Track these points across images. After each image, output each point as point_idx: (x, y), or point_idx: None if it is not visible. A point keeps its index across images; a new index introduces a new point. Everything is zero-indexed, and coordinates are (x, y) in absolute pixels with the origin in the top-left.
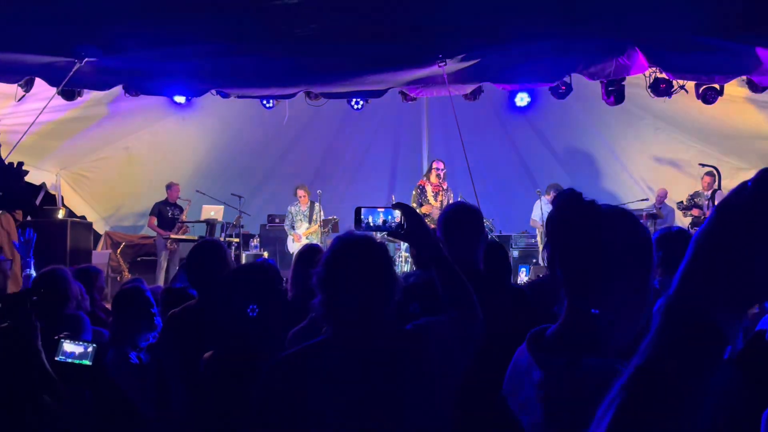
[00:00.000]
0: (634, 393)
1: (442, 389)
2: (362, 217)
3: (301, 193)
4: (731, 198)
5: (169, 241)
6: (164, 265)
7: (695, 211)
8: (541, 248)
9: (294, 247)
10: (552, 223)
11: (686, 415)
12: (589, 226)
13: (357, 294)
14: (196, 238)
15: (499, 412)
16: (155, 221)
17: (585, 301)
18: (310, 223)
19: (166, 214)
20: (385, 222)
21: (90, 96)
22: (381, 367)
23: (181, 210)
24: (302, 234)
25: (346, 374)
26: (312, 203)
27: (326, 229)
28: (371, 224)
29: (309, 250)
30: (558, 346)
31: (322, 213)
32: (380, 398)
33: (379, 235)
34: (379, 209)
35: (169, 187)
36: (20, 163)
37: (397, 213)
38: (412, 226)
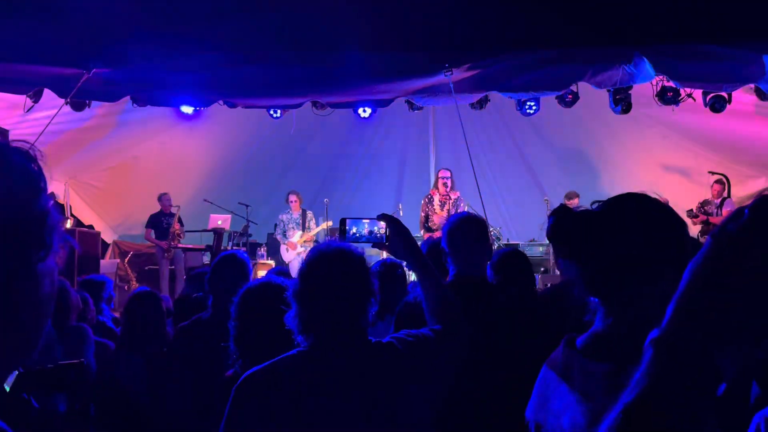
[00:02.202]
0: (625, 429)
1: (421, 402)
2: (347, 228)
3: (293, 198)
4: (727, 226)
5: (167, 252)
6: (166, 274)
7: (702, 218)
8: (552, 258)
9: (289, 255)
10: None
11: None
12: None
13: (332, 306)
14: (193, 246)
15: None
16: (152, 233)
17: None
18: (303, 230)
19: (161, 224)
20: (370, 233)
21: (98, 107)
22: (357, 380)
23: (173, 217)
24: (297, 242)
25: (321, 387)
26: (304, 211)
27: (333, 238)
28: (356, 235)
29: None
30: (599, 352)
31: (314, 221)
32: (356, 411)
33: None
34: (364, 220)
35: (160, 198)
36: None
37: (382, 224)
38: (396, 238)
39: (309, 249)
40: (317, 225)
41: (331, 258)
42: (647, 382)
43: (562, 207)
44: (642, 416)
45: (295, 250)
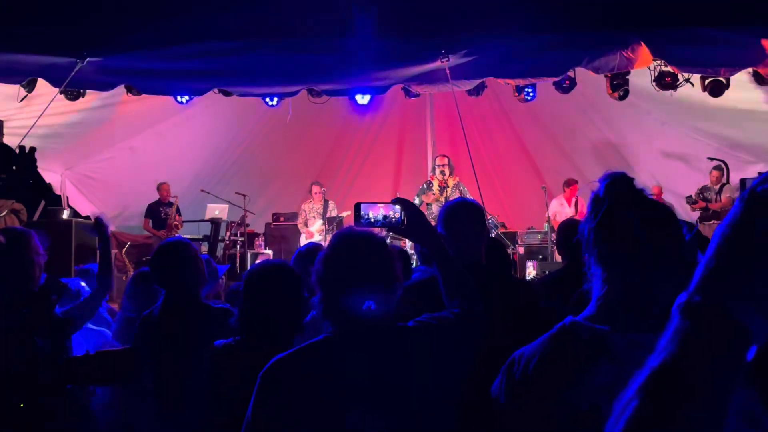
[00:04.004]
0: (650, 395)
1: (446, 386)
2: (362, 212)
3: (315, 189)
4: (756, 188)
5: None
6: None
7: (701, 204)
8: (552, 243)
9: None
10: (604, 202)
11: (707, 420)
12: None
13: (357, 291)
14: (190, 236)
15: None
16: (150, 223)
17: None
18: (323, 219)
19: (159, 214)
20: (385, 217)
21: (93, 97)
22: (383, 365)
23: (171, 207)
24: (316, 231)
25: (348, 373)
26: (326, 201)
27: (331, 227)
28: (371, 220)
29: (307, 250)
30: (636, 324)
31: (335, 211)
32: (383, 396)
33: (384, 231)
34: (379, 205)
35: (159, 187)
36: (32, 149)
37: (398, 208)
38: (412, 222)
39: (327, 237)
40: (338, 214)
41: (355, 243)
42: (674, 346)
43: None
44: (669, 381)
45: (312, 238)
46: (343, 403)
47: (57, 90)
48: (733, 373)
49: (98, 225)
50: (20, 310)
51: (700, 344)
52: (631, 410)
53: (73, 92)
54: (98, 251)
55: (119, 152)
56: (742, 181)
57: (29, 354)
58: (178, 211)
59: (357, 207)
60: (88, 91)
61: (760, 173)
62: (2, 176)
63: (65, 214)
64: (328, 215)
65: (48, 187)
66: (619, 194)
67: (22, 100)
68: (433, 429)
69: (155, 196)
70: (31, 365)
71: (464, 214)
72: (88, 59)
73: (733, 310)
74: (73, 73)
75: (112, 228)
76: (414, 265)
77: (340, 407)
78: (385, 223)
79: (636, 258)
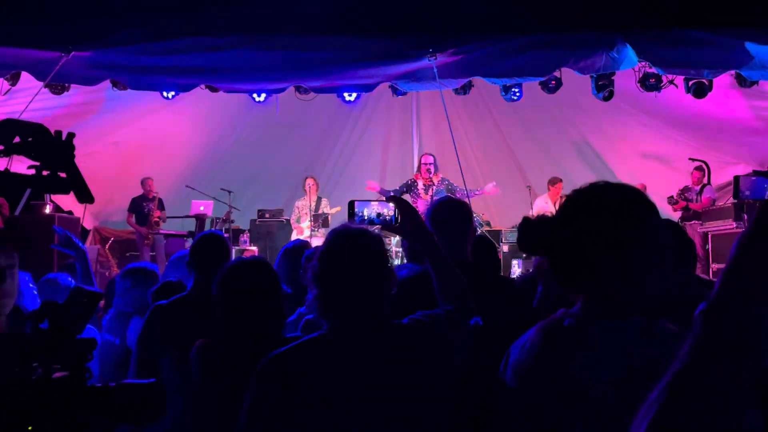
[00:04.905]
0: (673, 397)
1: (441, 383)
2: (356, 210)
3: (310, 182)
4: None
5: (146, 239)
6: (147, 260)
7: (682, 204)
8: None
9: None
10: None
11: (728, 419)
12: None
13: (354, 288)
14: (175, 232)
15: (494, 400)
16: (133, 217)
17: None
18: (310, 216)
19: (142, 209)
20: (379, 215)
21: (78, 91)
22: (379, 362)
23: (153, 201)
24: (305, 228)
25: (343, 370)
26: (319, 198)
27: (317, 224)
28: (365, 217)
29: (294, 247)
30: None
31: (328, 208)
32: (379, 394)
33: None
34: (372, 202)
35: (143, 182)
36: (71, 134)
37: (391, 206)
38: (406, 220)
39: (317, 234)
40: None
41: (350, 239)
42: (695, 351)
43: (524, 219)
44: (690, 383)
45: (302, 234)
46: (339, 399)
47: (41, 84)
48: (750, 377)
49: (68, 242)
50: (34, 325)
51: (719, 348)
52: (655, 411)
53: (57, 86)
54: (77, 267)
55: (104, 147)
56: (736, 179)
57: (42, 378)
58: (160, 206)
59: (351, 204)
60: (72, 85)
61: (755, 171)
62: (36, 165)
63: (47, 209)
64: (320, 212)
65: (83, 183)
66: (528, 233)
67: (5, 93)
68: (427, 425)
69: (140, 192)
70: (41, 391)
71: (450, 213)
72: (73, 53)
73: (750, 314)
74: (57, 67)
75: (95, 223)
76: (400, 262)
77: (336, 404)
78: (379, 220)
79: (579, 275)
